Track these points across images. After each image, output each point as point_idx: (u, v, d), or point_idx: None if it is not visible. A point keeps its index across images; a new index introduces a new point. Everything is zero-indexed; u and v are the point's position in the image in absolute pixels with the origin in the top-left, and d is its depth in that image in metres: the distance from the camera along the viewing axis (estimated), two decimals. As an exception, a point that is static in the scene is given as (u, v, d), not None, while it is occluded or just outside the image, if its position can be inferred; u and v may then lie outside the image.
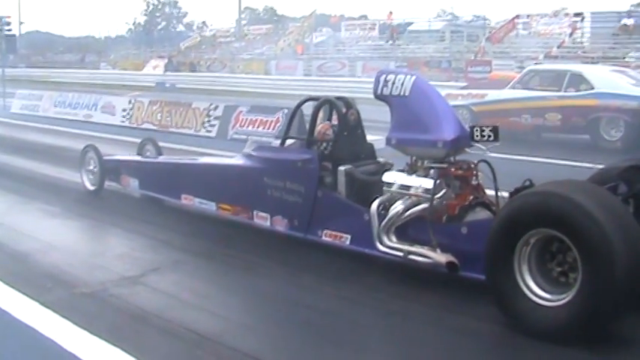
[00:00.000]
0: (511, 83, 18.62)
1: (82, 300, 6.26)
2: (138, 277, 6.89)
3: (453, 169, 6.66)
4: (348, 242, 7.30)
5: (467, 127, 6.80)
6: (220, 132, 18.94)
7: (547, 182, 5.70)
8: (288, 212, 7.94)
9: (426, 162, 6.80)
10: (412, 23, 54.88)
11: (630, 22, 38.51)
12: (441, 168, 6.62)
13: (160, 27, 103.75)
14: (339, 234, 7.38)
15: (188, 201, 9.35)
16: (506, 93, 18.29)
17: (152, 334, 5.56)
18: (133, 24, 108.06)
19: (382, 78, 7.13)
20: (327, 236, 7.50)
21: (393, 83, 6.98)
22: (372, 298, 6.36)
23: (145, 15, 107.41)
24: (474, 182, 6.77)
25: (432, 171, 6.64)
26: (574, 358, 5.08)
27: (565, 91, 17.05)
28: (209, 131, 19.30)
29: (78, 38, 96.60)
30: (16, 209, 10.06)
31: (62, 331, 5.44)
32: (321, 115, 8.30)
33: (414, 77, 6.99)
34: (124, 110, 22.56)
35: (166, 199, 9.93)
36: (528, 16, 44.18)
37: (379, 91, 7.14)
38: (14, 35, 32.05)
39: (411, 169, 6.94)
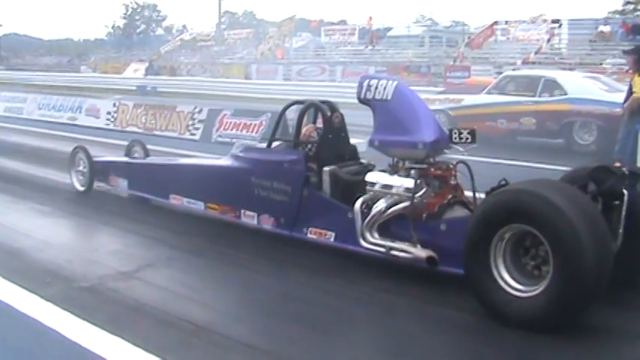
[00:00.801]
0: (487, 88, 18.87)
1: (81, 293, 6.44)
2: (133, 272, 7.10)
3: (432, 170, 6.95)
4: (332, 239, 7.54)
5: (446, 129, 7.09)
6: (204, 135, 19.10)
7: (520, 181, 6.02)
8: (275, 211, 8.16)
9: (407, 163, 7.05)
10: (392, 28, 55.25)
11: (607, 29, 38.97)
12: (421, 168, 6.91)
13: (139, 30, 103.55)
14: (323, 231, 7.62)
15: (177, 201, 9.55)
16: (483, 98, 18.55)
17: (148, 324, 5.77)
18: (112, 27, 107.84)
19: (365, 83, 7.40)
20: (312, 234, 7.73)
21: (376, 88, 7.26)
22: (357, 291, 6.60)
23: (124, 18, 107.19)
24: (452, 182, 7.04)
25: (412, 171, 6.91)
26: (548, 346, 5.32)
27: (539, 96, 17.32)
28: (193, 134, 19.47)
29: (57, 41, 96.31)
30: (9, 208, 10.23)
31: (63, 322, 5.66)
32: (305, 118, 8.63)
33: (395, 82, 7.28)
34: (109, 113, 22.65)
35: (155, 199, 10.13)
36: (507, 22, 44.49)
37: (362, 96, 7.40)
38: (-4, 38, 32.08)
39: (393, 170, 7.19)
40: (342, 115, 8.33)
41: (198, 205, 9.23)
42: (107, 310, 6.07)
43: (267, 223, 8.28)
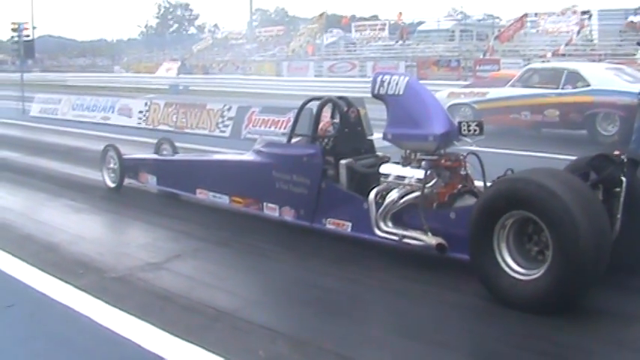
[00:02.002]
0: (511, 81, 18.99)
1: (112, 283, 6.75)
2: (161, 263, 7.40)
3: (442, 161, 7.22)
4: (349, 229, 7.83)
5: (455, 122, 7.38)
6: (234, 132, 19.38)
7: (521, 170, 6.30)
8: (295, 203, 8.44)
9: (418, 154, 7.34)
10: (422, 23, 55.11)
11: (637, 19, 38.37)
12: (432, 160, 7.19)
13: (171, 30, 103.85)
14: (341, 222, 7.91)
15: (203, 195, 9.85)
16: (507, 91, 18.70)
17: (176, 310, 6.06)
18: (145, 27, 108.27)
19: (379, 79, 7.69)
20: (330, 224, 8.02)
21: (389, 83, 7.54)
22: (372, 277, 6.88)
23: (157, 18, 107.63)
24: (462, 172, 7.32)
25: (423, 162, 7.20)
26: (551, 327, 5.54)
27: (562, 89, 17.45)
28: (223, 131, 19.76)
29: (90, 42, 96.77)
30: (45, 205, 10.65)
31: (96, 310, 5.97)
32: (328, 113, 8.95)
33: (407, 78, 7.59)
34: (141, 112, 23.00)
35: (182, 194, 10.43)
36: (536, 14, 44.22)
37: (376, 91, 7.69)
38: (32, 40, 32.44)
39: (405, 161, 7.49)
40: (358, 110, 8.66)
41: (223, 199, 9.52)
42: (136, 298, 6.37)
43: (289, 215, 8.56)
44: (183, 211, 10.02)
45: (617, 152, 6.58)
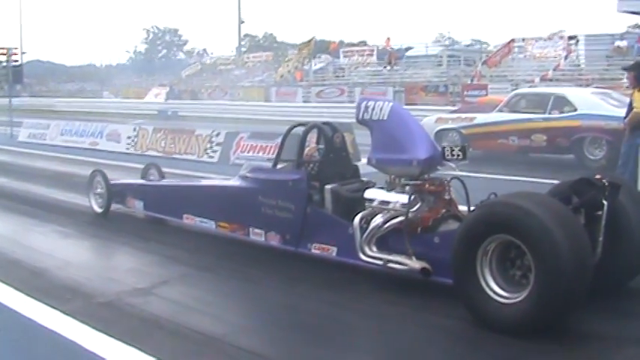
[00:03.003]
0: (498, 107, 19.08)
1: (100, 308, 6.78)
2: (149, 288, 7.45)
3: (426, 186, 7.28)
4: (334, 254, 7.88)
5: (439, 147, 7.45)
6: (222, 157, 19.43)
7: (502, 195, 6.39)
8: (281, 228, 8.48)
9: (402, 179, 7.40)
10: (411, 48, 55.28)
11: (623, 44, 38.74)
12: (416, 184, 7.25)
13: (160, 55, 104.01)
14: (326, 246, 7.95)
15: (190, 220, 9.89)
16: (494, 116, 18.78)
17: (164, 335, 6.10)
18: (134, 52, 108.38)
19: (363, 104, 7.77)
20: (316, 249, 8.07)
21: (373, 109, 7.62)
22: (358, 302, 6.94)
23: (146, 43, 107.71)
24: (446, 197, 7.38)
25: (407, 187, 7.27)
26: (537, 351, 5.61)
27: (549, 113, 17.54)
28: (211, 157, 19.82)
29: (79, 67, 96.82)
30: (33, 230, 10.67)
31: (83, 335, 5.96)
32: (314, 138, 9.01)
33: (391, 104, 7.69)
34: (129, 138, 23.03)
35: (169, 219, 10.48)
36: (524, 39, 44.39)
37: (361, 117, 7.77)
38: (20, 65, 32.52)
39: (390, 186, 7.55)
40: (343, 135, 8.74)
41: (209, 224, 9.56)
42: (124, 323, 6.39)
43: (274, 240, 8.60)
44: (170, 236, 10.06)
45: (598, 176, 6.65)
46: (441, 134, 19.18)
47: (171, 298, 7.24)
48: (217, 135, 20.20)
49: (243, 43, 78.32)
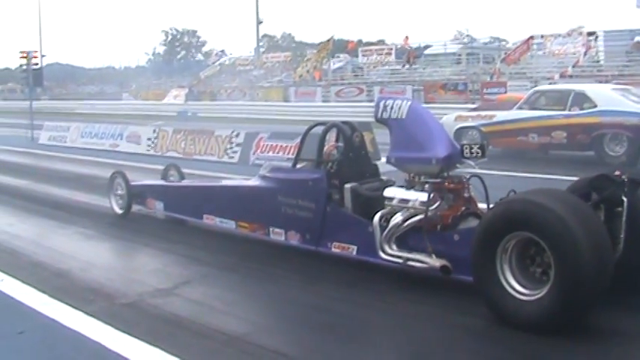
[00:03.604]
0: (518, 104, 19.07)
1: (122, 309, 6.84)
2: (171, 288, 7.49)
3: (446, 184, 7.29)
4: (354, 252, 7.91)
5: (458, 145, 7.46)
6: (242, 158, 19.52)
7: (521, 192, 6.39)
8: (301, 227, 8.52)
9: (422, 178, 7.42)
10: (429, 46, 55.17)
11: (643, 39, 38.61)
12: (435, 183, 7.25)
13: (179, 56, 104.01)
14: (346, 245, 7.99)
15: (210, 220, 9.95)
16: (514, 113, 18.78)
17: (186, 335, 6.12)
18: (153, 54, 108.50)
19: (382, 103, 7.80)
20: (336, 248, 8.10)
21: (392, 108, 7.65)
22: (380, 301, 6.96)
23: (164, 45, 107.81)
24: (465, 195, 7.39)
25: (427, 185, 7.27)
26: (559, 348, 5.62)
27: (570, 110, 17.55)
28: (231, 157, 19.90)
29: (99, 69, 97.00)
30: (55, 232, 10.76)
31: (106, 335, 6.04)
32: (333, 138, 9.01)
33: (409, 102, 7.70)
34: (149, 139, 23.15)
35: (190, 220, 10.54)
36: (542, 36, 44.15)
37: (379, 115, 7.80)
38: (41, 68, 32.70)
39: (409, 185, 7.57)
40: (362, 134, 8.74)
41: (229, 224, 9.61)
42: (146, 323, 6.43)
43: (294, 239, 8.64)
44: (190, 236, 10.09)
45: (617, 172, 6.63)
46: (460, 132, 19.18)
47: (193, 298, 7.27)
48: (237, 135, 20.27)
49: (261, 43, 78.21)
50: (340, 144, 8.72)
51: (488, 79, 41.17)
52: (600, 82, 30.33)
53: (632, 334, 6.06)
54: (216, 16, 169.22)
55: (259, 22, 66.49)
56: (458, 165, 7.47)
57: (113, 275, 8.26)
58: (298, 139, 16.91)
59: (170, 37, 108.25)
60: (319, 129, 8.92)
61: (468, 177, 7.50)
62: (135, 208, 11.48)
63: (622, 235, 6.33)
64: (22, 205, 13.16)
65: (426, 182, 7.33)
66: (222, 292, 7.58)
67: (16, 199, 13.96)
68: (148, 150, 22.84)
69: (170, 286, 7.62)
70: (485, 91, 38.90)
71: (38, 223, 11.65)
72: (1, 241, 9.91)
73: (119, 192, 11.62)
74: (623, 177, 6.52)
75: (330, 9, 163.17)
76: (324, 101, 47.56)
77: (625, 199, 6.38)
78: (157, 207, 11.13)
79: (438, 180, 7.30)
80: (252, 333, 6.18)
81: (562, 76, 36.89)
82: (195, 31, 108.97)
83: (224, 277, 8.22)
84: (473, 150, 7.14)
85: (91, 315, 6.58)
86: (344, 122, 8.86)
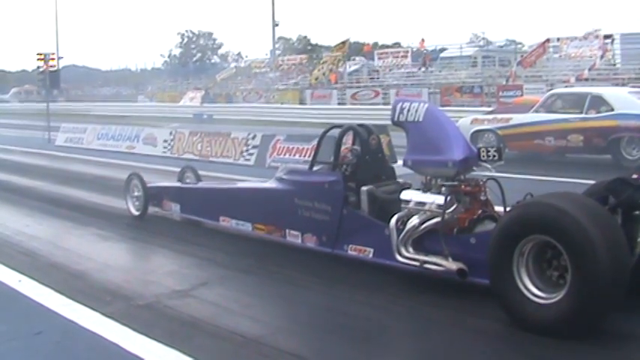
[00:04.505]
0: (535, 107, 19.02)
1: (139, 310, 6.89)
2: (188, 290, 7.52)
3: (462, 187, 7.29)
4: (371, 255, 7.92)
5: (474, 148, 7.48)
6: (258, 160, 19.52)
7: (538, 195, 6.38)
8: (317, 230, 8.54)
9: (438, 180, 7.42)
10: (445, 49, 55.07)
11: (660, 42, 38.43)
12: (452, 186, 7.25)
13: (195, 59, 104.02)
14: (363, 248, 8.00)
15: (226, 222, 9.98)
16: (530, 117, 18.71)
17: (203, 337, 6.16)
18: (169, 56, 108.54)
19: (398, 106, 7.80)
20: (352, 250, 8.12)
21: (408, 110, 7.65)
22: (396, 304, 6.98)
23: (180, 47, 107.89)
24: (482, 198, 7.38)
25: (443, 188, 7.28)
26: (573, 352, 5.62)
27: (586, 113, 17.45)
28: (247, 160, 19.90)
29: (115, 71, 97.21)
30: (71, 234, 10.82)
31: (123, 337, 6.09)
32: (350, 140, 9.03)
33: (426, 105, 7.71)
34: (165, 141, 23.18)
35: (206, 222, 10.57)
36: (559, 39, 43.99)
37: (396, 118, 7.79)
38: (57, 70, 32.86)
39: (426, 187, 7.56)
40: (378, 137, 8.76)
41: (246, 226, 9.66)
42: (163, 325, 6.46)
43: (311, 242, 8.67)
44: (207, 238, 10.13)
45: (635, 176, 6.61)
46: (477, 135, 19.14)
47: (210, 300, 7.29)
48: (253, 138, 20.28)
49: (277, 45, 78.10)
50: (357, 147, 8.72)
51: (504, 82, 41.03)
52: (617, 85, 30.22)
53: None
54: (232, 18, 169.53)
55: (275, 25, 66.41)
56: (474, 168, 7.49)
57: (130, 277, 8.32)
58: (314, 142, 17.08)
59: (186, 40, 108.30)
60: (336, 132, 8.95)
61: (484, 180, 7.50)
62: (151, 209, 11.53)
63: (639, 240, 6.28)
64: (38, 207, 13.23)
65: (443, 185, 7.33)
66: (239, 294, 7.61)
67: (32, 200, 14.07)
68: (165, 152, 22.88)
69: (187, 287, 7.65)
70: (501, 94, 38.75)
71: (55, 224, 11.73)
72: (19, 242, 9.99)
73: (136, 194, 11.67)
74: None
75: (346, 12, 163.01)
76: (339, 104, 47.56)
77: (643, 202, 6.34)
78: (174, 209, 11.18)
79: (455, 183, 7.30)
80: (268, 335, 6.19)
81: (578, 79, 36.73)
82: (211, 34, 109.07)
83: (240, 279, 8.24)
84: (489, 153, 7.17)
85: (108, 316, 6.62)
86: (360, 125, 8.89)
